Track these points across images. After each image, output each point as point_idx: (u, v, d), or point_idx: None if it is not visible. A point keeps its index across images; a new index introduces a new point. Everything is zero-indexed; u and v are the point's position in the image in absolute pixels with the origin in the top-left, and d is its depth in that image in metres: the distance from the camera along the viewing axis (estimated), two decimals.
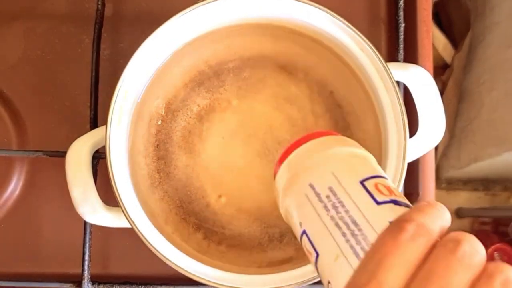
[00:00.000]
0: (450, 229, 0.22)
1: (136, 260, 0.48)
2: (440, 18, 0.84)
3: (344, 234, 0.24)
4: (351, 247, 0.24)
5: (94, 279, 0.45)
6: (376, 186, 0.26)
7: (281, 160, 0.31)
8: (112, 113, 0.39)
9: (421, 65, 0.45)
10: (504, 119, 0.69)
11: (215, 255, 0.42)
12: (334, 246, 0.25)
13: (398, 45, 0.47)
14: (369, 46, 0.40)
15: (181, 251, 0.40)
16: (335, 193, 0.26)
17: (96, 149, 0.42)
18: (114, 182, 0.38)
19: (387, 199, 0.25)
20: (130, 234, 0.39)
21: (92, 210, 0.40)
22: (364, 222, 0.24)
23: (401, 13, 0.47)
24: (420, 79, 0.42)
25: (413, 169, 0.48)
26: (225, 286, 0.38)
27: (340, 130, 0.45)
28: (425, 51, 0.49)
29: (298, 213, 0.28)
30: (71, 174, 0.40)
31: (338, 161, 0.28)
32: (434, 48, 0.80)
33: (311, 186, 0.27)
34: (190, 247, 0.42)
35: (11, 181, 0.48)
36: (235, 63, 0.45)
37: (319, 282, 0.40)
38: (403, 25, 0.47)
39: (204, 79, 0.45)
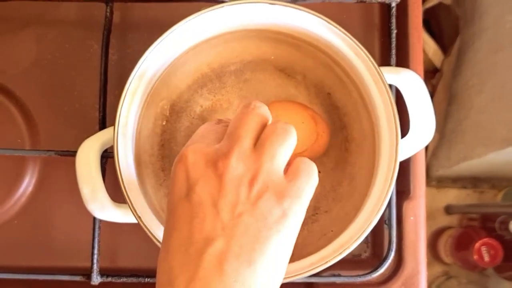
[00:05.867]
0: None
1: (143, 254, 0.48)
2: (430, 25, 0.83)
3: None
4: None
5: (102, 272, 0.45)
6: None
7: None
8: (119, 115, 0.39)
9: (412, 69, 0.45)
10: (492, 120, 0.69)
11: None
12: None
13: (390, 50, 0.47)
14: (363, 51, 0.41)
15: None
16: None
17: (104, 148, 0.42)
18: (122, 180, 0.39)
19: None
20: (137, 229, 0.39)
21: (101, 207, 0.41)
22: None
23: (394, 20, 0.48)
24: (411, 83, 0.43)
25: (405, 167, 0.48)
26: None
27: (337, 130, 0.45)
28: (416, 56, 0.49)
29: None
30: (81, 172, 0.41)
31: None
32: (425, 53, 0.80)
33: None
34: None
35: (24, 179, 0.49)
36: (237, 66, 0.46)
37: (315, 275, 0.41)
38: (395, 31, 0.48)
39: (207, 81, 0.46)
